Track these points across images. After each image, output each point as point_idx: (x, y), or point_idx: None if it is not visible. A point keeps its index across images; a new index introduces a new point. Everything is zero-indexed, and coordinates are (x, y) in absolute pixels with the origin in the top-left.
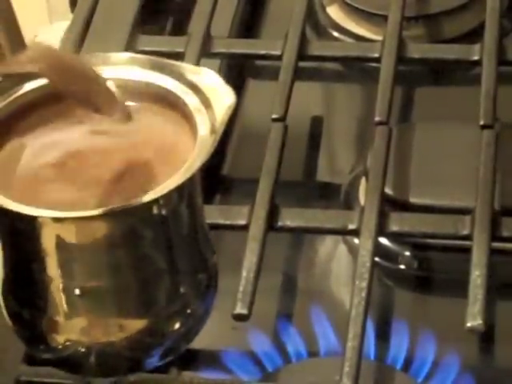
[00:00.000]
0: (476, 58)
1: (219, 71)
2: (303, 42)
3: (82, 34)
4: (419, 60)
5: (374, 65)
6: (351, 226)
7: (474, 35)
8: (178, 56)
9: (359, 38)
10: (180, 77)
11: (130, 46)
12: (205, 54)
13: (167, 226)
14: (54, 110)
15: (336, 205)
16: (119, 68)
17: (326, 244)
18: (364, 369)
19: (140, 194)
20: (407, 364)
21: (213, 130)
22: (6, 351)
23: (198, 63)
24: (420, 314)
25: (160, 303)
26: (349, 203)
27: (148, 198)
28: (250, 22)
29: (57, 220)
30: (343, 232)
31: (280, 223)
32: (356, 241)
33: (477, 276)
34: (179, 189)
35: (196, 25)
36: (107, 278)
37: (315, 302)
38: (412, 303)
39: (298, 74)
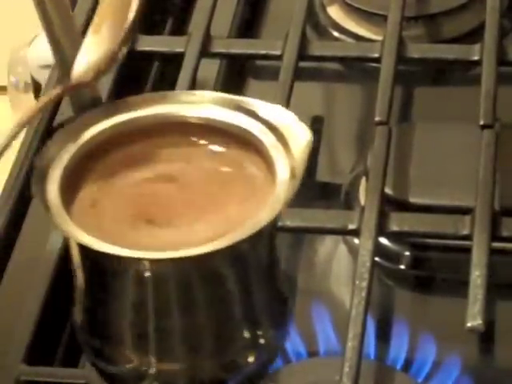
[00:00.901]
0: (476, 58)
1: (219, 71)
2: (303, 42)
3: (81, 34)
4: (419, 60)
5: (374, 65)
6: (351, 226)
7: (474, 35)
8: (178, 56)
9: (359, 38)
10: (254, 114)
11: (130, 46)
12: (205, 53)
13: (246, 265)
14: (126, 152)
15: (336, 205)
16: (200, 106)
17: (326, 244)
18: (364, 369)
19: (220, 235)
20: (407, 364)
21: (293, 173)
22: (6, 351)
23: (198, 63)
24: (420, 314)
25: (236, 340)
26: (349, 203)
27: (227, 242)
28: (249, 22)
29: (140, 260)
30: (343, 232)
31: (280, 223)
32: (356, 241)
33: (477, 276)
34: (260, 232)
35: (196, 25)
36: (183, 316)
37: (315, 302)
38: (412, 303)
39: (298, 74)
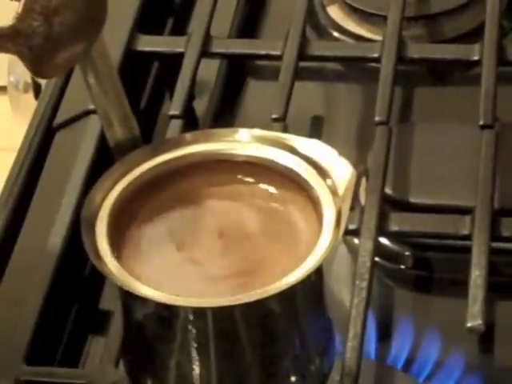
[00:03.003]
0: (476, 58)
1: (219, 71)
2: (303, 42)
3: None
4: (419, 60)
5: (374, 65)
6: (351, 226)
7: (473, 35)
8: (178, 56)
9: (359, 38)
10: (293, 150)
11: (130, 46)
12: (205, 53)
13: (295, 306)
14: (172, 192)
15: None
16: (245, 144)
17: None
18: (364, 369)
19: (270, 277)
20: (408, 364)
21: (339, 212)
22: (6, 351)
23: (198, 63)
24: (420, 314)
25: (284, 377)
26: None
27: (277, 289)
28: (250, 22)
29: (197, 310)
30: (343, 232)
31: None
32: (356, 241)
33: (477, 276)
34: (309, 276)
35: (196, 25)
36: (235, 358)
37: None
38: (412, 303)
39: (298, 74)
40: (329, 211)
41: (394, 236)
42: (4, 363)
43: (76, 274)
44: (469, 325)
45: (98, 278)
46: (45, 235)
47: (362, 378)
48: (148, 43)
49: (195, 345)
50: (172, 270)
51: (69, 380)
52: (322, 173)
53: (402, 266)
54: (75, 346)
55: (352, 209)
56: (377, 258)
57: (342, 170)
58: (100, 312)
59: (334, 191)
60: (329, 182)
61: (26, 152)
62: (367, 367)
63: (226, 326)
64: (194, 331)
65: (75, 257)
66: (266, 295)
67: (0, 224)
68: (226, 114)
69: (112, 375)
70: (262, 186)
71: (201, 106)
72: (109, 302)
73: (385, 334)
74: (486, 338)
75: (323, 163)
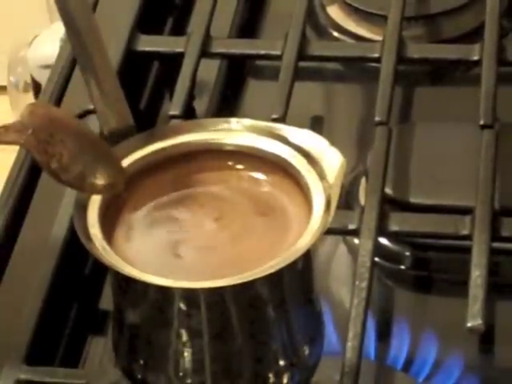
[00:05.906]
0: (476, 58)
1: (219, 71)
2: (303, 42)
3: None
4: (419, 60)
5: (374, 65)
6: (351, 226)
7: (473, 35)
8: (178, 56)
9: (359, 38)
10: (286, 140)
11: (130, 46)
12: (205, 53)
13: (283, 291)
14: (163, 179)
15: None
16: (235, 134)
17: (326, 244)
18: (364, 369)
19: (259, 262)
20: (407, 364)
21: (328, 199)
22: (6, 351)
23: (197, 63)
24: (420, 314)
25: (273, 363)
26: (349, 203)
27: (265, 272)
28: (250, 22)
29: (186, 291)
30: (343, 232)
31: None
32: (356, 241)
33: (477, 276)
34: (298, 259)
35: (196, 25)
36: (224, 342)
37: None
38: (412, 303)
39: (298, 74)
40: (318, 197)
41: (393, 236)
42: (4, 363)
43: (76, 273)
44: (469, 325)
45: (98, 278)
46: (44, 235)
47: (362, 378)
48: (148, 43)
49: (187, 329)
50: (161, 254)
51: (69, 380)
52: (312, 161)
53: (402, 266)
54: (75, 346)
55: (352, 208)
56: (377, 258)
57: (332, 159)
58: (100, 312)
59: (323, 178)
60: (318, 169)
61: (26, 152)
62: (367, 367)
63: (217, 309)
64: (185, 314)
65: (75, 257)
66: (252, 278)
67: (0, 224)
68: (226, 114)
69: (112, 375)
70: (251, 172)
71: (201, 106)
72: (109, 302)
73: (385, 334)
74: (486, 338)
75: (313, 152)
